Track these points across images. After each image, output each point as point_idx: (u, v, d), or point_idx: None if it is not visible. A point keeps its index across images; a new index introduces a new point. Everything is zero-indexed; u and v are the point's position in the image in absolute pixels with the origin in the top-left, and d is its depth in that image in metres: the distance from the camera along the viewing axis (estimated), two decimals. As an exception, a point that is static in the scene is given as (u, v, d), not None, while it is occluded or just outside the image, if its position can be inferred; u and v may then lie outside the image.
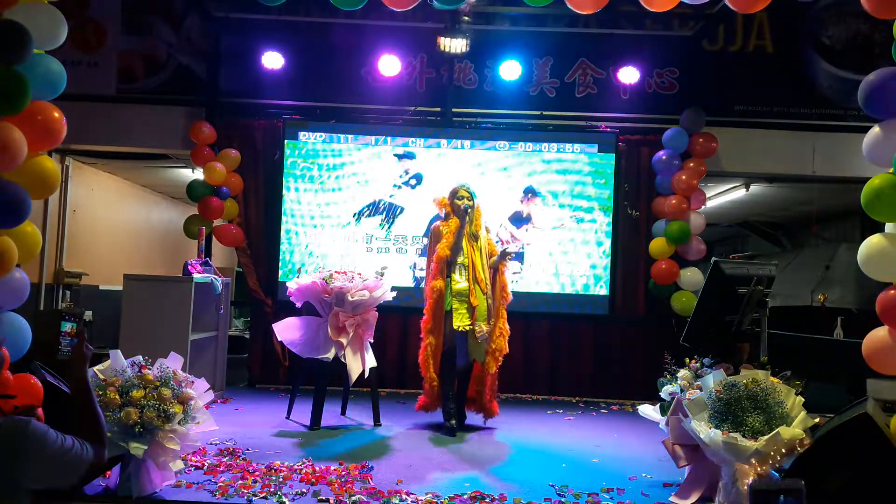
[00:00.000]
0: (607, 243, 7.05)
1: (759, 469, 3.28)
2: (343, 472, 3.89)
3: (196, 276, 5.75)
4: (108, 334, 5.95)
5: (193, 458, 3.99)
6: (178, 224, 7.25)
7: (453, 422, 5.03)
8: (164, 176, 8.76)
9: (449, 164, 7.02)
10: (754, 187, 7.96)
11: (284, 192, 7.06)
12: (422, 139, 7.10)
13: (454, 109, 7.12)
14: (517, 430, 5.24)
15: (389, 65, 6.88)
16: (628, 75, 6.94)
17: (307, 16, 6.97)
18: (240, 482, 3.63)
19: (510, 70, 6.93)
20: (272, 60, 6.91)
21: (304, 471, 3.89)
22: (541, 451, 4.68)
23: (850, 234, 9.48)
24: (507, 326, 5.14)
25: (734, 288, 4.11)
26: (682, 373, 3.90)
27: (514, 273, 6.96)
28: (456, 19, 6.31)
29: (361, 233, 7.06)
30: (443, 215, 5.31)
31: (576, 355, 7.11)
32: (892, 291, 3.28)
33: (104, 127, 7.03)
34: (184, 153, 7.09)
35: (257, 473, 3.81)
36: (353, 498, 3.44)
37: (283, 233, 7.05)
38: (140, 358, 3.52)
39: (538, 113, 7.19)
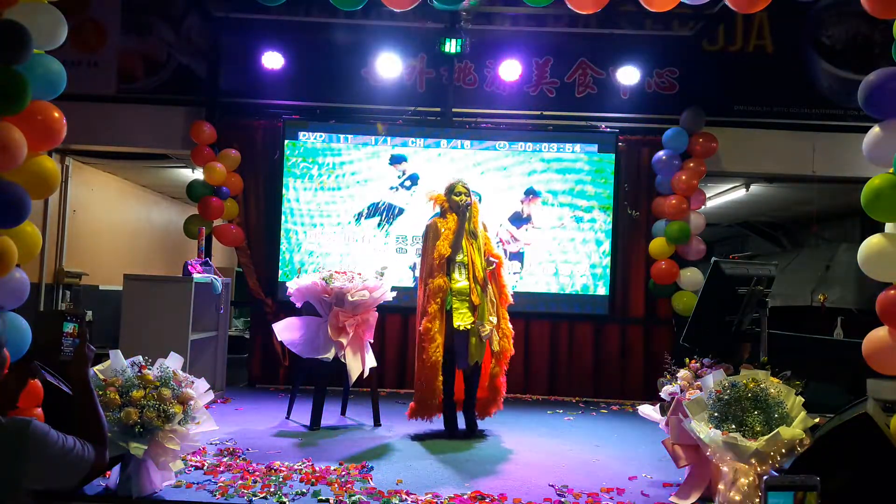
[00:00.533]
0: (607, 243, 7.05)
1: (758, 469, 3.28)
2: (343, 472, 3.89)
3: (196, 276, 5.75)
4: (108, 334, 5.96)
5: (193, 458, 3.99)
6: (178, 224, 7.25)
7: (474, 429, 4.97)
8: (164, 176, 8.76)
9: (449, 164, 7.02)
10: (754, 187, 7.97)
11: (284, 192, 7.06)
12: (422, 139, 7.10)
13: (454, 109, 7.12)
14: (517, 430, 5.23)
15: (389, 65, 6.88)
16: (628, 75, 6.94)
17: (307, 16, 6.98)
18: (240, 482, 3.63)
19: (510, 70, 6.92)
20: (272, 60, 6.91)
21: (304, 471, 3.89)
22: (541, 451, 4.68)
23: (850, 234, 9.48)
24: (511, 327, 5.08)
25: (734, 288, 4.11)
26: (682, 373, 3.90)
27: (514, 273, 6.96)
28: (456, 19, 6.32)
29: (361, 233, 7.06)
30: (438, 211, 5.15)
31: (576, 355, 7.11)
32: (892, 291, 3.28)
33: (104, 127, 7.04)
34: (184, 153, 7.09)
35: (257, 473, 3.81)
36: (353, 498, 3.44)
37: (282, 233, 7.05)
38: (140, 358, 3.52)
39: (538, 113, 7.19)
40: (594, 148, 7.11)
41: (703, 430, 3.38)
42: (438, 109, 7.16)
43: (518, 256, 6.96)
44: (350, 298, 5.06)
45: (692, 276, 6.81)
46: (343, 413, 5.60)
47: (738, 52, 7.15)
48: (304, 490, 3.55)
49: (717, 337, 4.18)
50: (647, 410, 4.14)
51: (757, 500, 3.28)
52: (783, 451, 3.26)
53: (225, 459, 4.10)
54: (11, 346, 3.06)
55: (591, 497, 3.65)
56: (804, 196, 8.20)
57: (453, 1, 4.73)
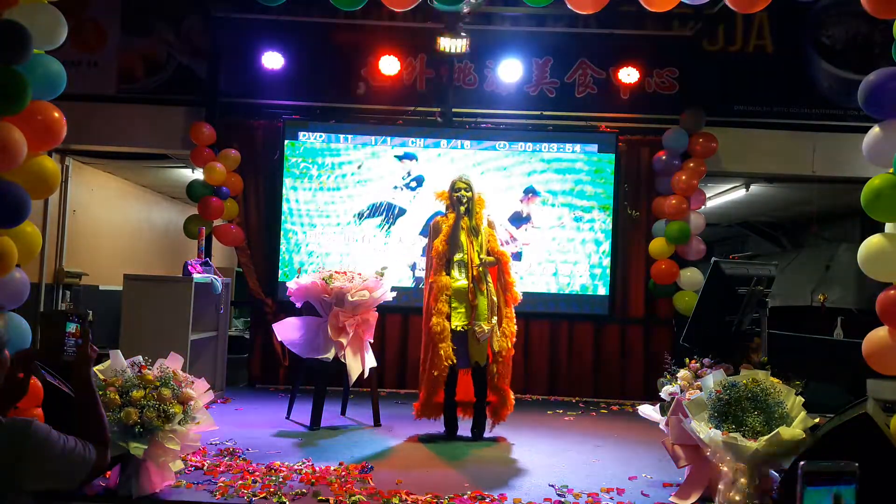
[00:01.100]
0: (607, 243, 7.05)
1: (759, 469, 3.28)
2: (343, 472, 3.89)
3: (196, 276, 5.75)
4: (108, 334, 5.95)
5: (193, 458, 3.98)
6: (178, 224, 7.25)
7: (481, 432, 4.91)
8: (164, 176, 8.76)
9: (449, 164, 7.02)
10: (754, 187, 7.96)
11: (284, 191, 7.06)
12: (422, 139, 7.10)
13: (454, 109, 7.12)
14: (517, 430, 5.23)
15: (389, 65, 6.88)
16: (628, 75, 6.94)
17: (307, 16, 6.97)
18: (240, 482, 3.63)
19: (510, 70, 6.92)
20: (272, 60, 6.91)
21: (304, 471, 3.88)
22: (541, 451, 4.68)
23: (850, 234, 9.47)
24: (514, 327, 4.96)
25: (734, 288, 4.11)
26: (682, 373, 3.90)
27: (514, 273, 6.94)
28: (456, 20, 6.32)
29: (362, 233, 7.06)
30: (444, 210, 5.10)
31: (576, 355, 7.11)
32: (892, 291, 3.28)
33: (104, 127, 7.04)
34: (184, 153, 7.09)
35: (257, 473, 3.81)
36: (353, 498, 3.44)
37: (282, 233, 7.05)
38: (140, 358, 3.52)
39: (538, 113, 7.19)
40: (594, 148, 7.11)
41: (703, 430, 3.38)
42: (438, 109, 7.16)
43: (517, 257, 6.96)
44: (350, 298, 5.06)
45: (692, 276, 6.81)
46: (343, 413, 5.59)
47: (738, 52, 7.15)
48: (304, 490, 3.55)
49: (717, 337, 4.18)
50: (647, 410, 4.14)
51: (757, 500, 3.28)
52: (783, 451, 3.26)
53: (225, 459, 4.09)
54: (12, 346, 3.06)
55: (591, 497, 3.65)
56: (804, 196, 8.21)
57: (453, 1, 4.73)
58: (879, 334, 3.33)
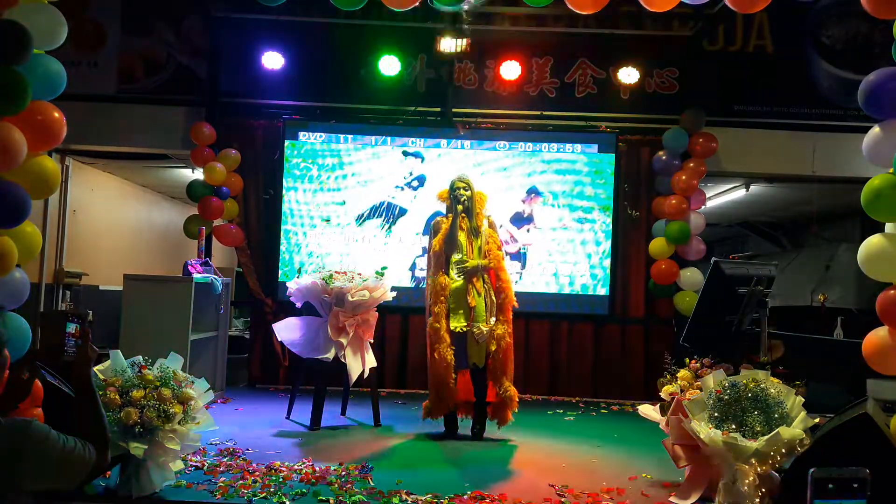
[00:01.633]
0: (607, 243, 7.05)
1: (758, 469, 3.28)
2: (343, 472, 3.89)
3: (196, 276, 5.75)
4: (108, 334, 5.95)
5: (193, 458, 3.99)
6: (178, 224, 7.24)
7: (481, 432, 4.91)
8: (164, 176, 8.76)
9: (449, 164, 7.01)
10: (754, 187, 7.96)
11: (284, 192, 7.06)
12: (422, 139, 7.10)
13: (454, 109, 7.12)
14: (517, 430, 5.22)
15: (389, 65, 6.88)
16: (628, 75, 6.94)
17: (307, 16, 6.96)
18: (240, 482, 3.63)
19: (510, 70, 6.92)
20: (272, 60, 6.91)
21: (304, 471, 3.88)
22: (541, 451, 4.68)
23: (850, 234, 9.47)
24: (502, 329, 4.82)
25: (734, 288, 4.11)
26: (682, 373, 3.90)
27: (515, 272, 6.96)
28: (456, 20, 6.31)
29: (362, 233, 7.05)
30: (444, 210, 5.09)
31: (576, 355, 7.11)
32: (892, 291, 3.28)
33: (104, 127, 7.04)
34: (184, 153, 7.09)
35: (257, 473, 3.81)
36: (353, 498, 3.44)
37: (282, 233, 7.05)
38: (140, 358, 3.52)
39: (538, 113, 7.19)
40: (594, 148, 7.11)
41: (703, 430, 3.38)
42: (438, 109, 7.16)
43: (518, 257, 6.96)
44: (350, 298, 5.06)
45: (692, 276, 6.80)
46: (343, 413, 5.59)
47: (738, 52, 7.15)
48: (304, 490, 3.55)
49: (717, 337, 4.18)
50: (647, 410, 4.14)
51: (757, 500, 3.28)
52: (783, 451, 3.26)
53: (225, 459, 4.09)
54: (12, 346, 3.06)
55: (591, 497, 3.65)
56: (804, 196, 8.20)
57: (453, 1, 4.73)
58: (879, 334, 3.33)
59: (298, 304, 5.36)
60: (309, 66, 7.07)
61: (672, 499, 3.66)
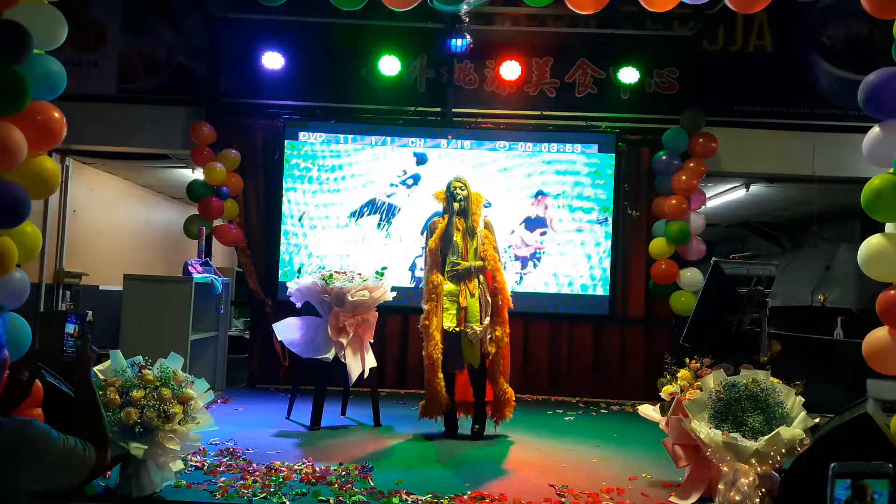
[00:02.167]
0: (607, 243, 7.05)
1: (758, 469, 3.28)
2: (343, 472, 3.89)
3: (196, 276, 5.75)
4: (108, 334, 5.95)
5: (193, 458, 3.99)
6: (178, 224, 7.24)
7: (481, 432, 4.90)
8: (164, 176, 8.76)
9: (449, 164, 7.02)
10: (754, 187, 7.96)
11: (284, 192, 7.06)
12: (422, 139, 7.10)
13: (454, 109, 7.12)
14: (517, 430, 5.23)
15: (389, 65, 6.88)
16: (628, 75, 6.94)
17: (307, 16, 6.96)
18: (240, 482, 3.63)
19: (510, 70, 6.92)
20: (272, 60, 6.91)
21: (304, 471, 3.88)
22: (541, 451, 4.68)
23: (850, 234, 9.47)
24: (500, 332, 4.80)
25: (734, 288, 4.11)
26: (682, 373, 3.90)
27: (526, 273, 6.97)
28: (456, 20, 6.32)
29: (361, 233, 7.05)
30: (441, 210, 5.11)
31: (576, 355, 7.11)
32: (892, 291, 3.28)
33: (104, 127, 7.04)
34: (184, 153, 7.09)
35: (257, 473, 3.81)
36: (353, 498, 3.44)
37: (282, 233, 7.05)
38: (140, 358, 3.52)
39: (538, 113, 7.19)
40: (594, 148, 7.11)
41: (703, 430, 3.38)
42: (438, 109, 7.16)
43: (525, 261, 6.95)
44: (350, 298, 5.06)
45: (692, 276, 6.80)
46: (343, 413, 5.59)
47: (738, 52, 7.15)
48: (304, 490, 3.55)
49: (717, 337, 4.18)
50: (647, 410, 4.14)
51: (757, 500, 3.28)
52: (783, 451, 3.26)
53: (225, 459, 4.10)
54: (12, 346, 3.06)
55: (591, 497, 3.65)
56: (804, 196, 8.20)
57: (453, 1, 4.73)
58: (879, 334, 3.33)
59: (298, 305, 5.36)
60: (309, 66, 7.07)
61: (672, 499, 3.66)
